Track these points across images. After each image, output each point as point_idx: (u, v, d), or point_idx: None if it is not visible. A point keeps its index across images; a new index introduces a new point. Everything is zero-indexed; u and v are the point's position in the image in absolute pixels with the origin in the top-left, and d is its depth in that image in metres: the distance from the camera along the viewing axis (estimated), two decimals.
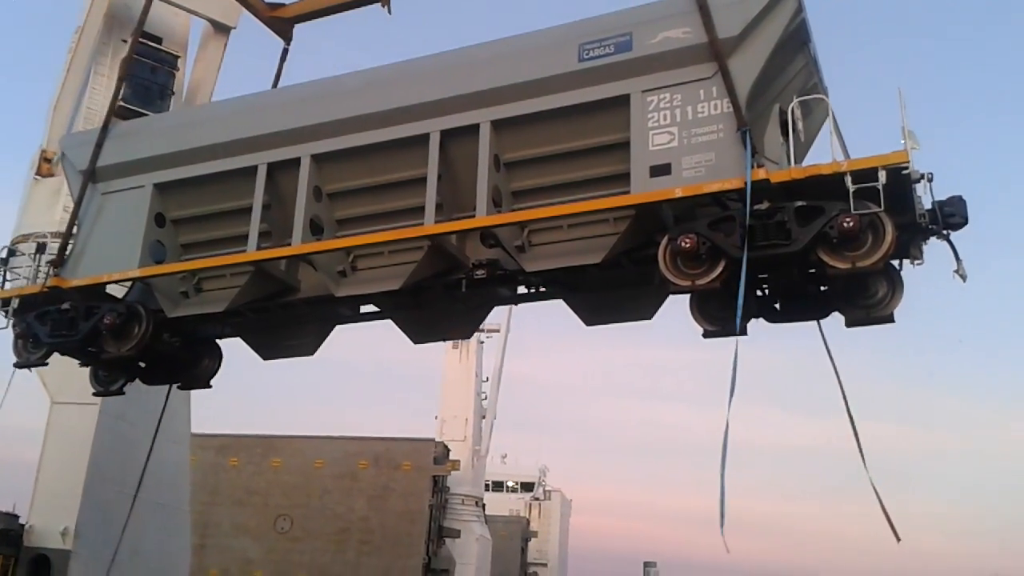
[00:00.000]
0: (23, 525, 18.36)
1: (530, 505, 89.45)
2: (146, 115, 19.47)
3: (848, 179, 8.64)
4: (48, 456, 18.42)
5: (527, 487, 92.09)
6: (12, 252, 18.37)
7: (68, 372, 15.56)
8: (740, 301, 8.86)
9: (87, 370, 13.74)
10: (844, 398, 9.60)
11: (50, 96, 21.55)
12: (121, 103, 20.07)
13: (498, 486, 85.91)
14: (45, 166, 20.96)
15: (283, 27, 16.39)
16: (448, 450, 45.92)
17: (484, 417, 53.90)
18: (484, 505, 54.97)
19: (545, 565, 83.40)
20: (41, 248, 19.03)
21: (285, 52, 16.28)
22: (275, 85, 15.64)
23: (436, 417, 51.83)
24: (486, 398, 54.47)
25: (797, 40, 10.00)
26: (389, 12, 15.97)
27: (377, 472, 43.20)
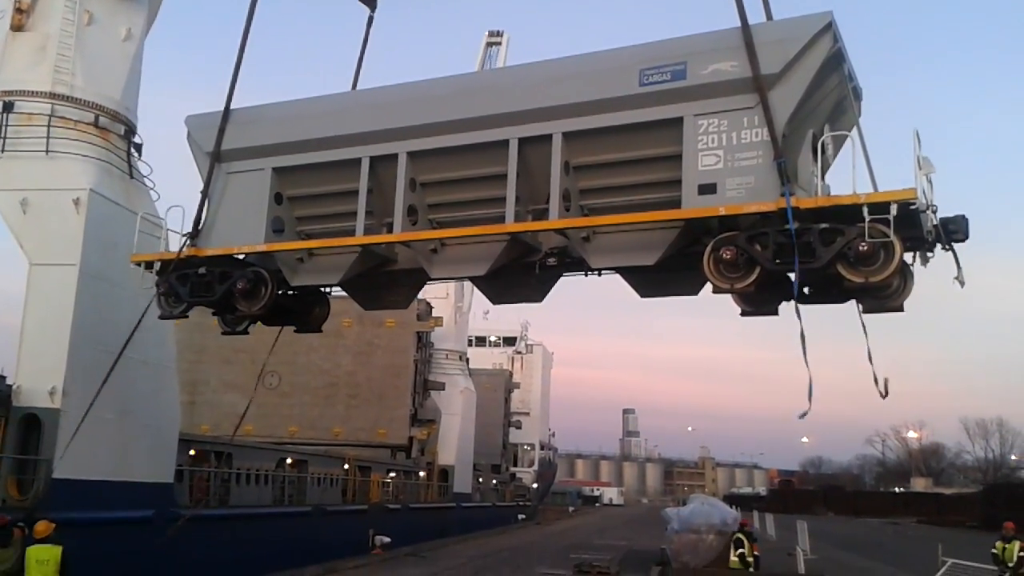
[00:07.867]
0: (11, 386, 18.12)
1: (512, 358, 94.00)
2: None
3: (865, 210, 10.26)
4: (30, 318, 17.82)
5: (509, 341, 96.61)
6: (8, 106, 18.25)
7: (46, 233, 15.48)
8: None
9: (65, 231, 13.64)
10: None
11: None
12: None
13: (481, 341, 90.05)
14: (17, 17, 19.32)
15: None
16: (431, 307, 47.62)
17: None
18: (468, 359, 57.81)
19: (528, 414, 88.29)
20: (8, 107, 18.69)
21: (371, 20, 17.71)
22: (362, 54, 17.21)
23: None
24: None
25: (832, 65, 11.35)
26: None
27: (361, 329, 45.09)
